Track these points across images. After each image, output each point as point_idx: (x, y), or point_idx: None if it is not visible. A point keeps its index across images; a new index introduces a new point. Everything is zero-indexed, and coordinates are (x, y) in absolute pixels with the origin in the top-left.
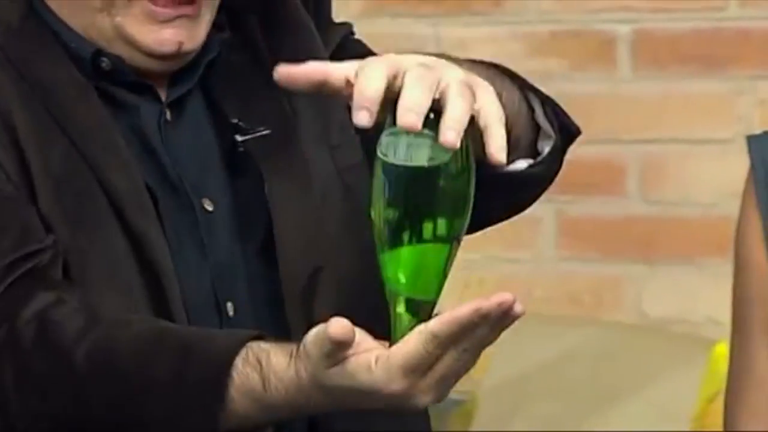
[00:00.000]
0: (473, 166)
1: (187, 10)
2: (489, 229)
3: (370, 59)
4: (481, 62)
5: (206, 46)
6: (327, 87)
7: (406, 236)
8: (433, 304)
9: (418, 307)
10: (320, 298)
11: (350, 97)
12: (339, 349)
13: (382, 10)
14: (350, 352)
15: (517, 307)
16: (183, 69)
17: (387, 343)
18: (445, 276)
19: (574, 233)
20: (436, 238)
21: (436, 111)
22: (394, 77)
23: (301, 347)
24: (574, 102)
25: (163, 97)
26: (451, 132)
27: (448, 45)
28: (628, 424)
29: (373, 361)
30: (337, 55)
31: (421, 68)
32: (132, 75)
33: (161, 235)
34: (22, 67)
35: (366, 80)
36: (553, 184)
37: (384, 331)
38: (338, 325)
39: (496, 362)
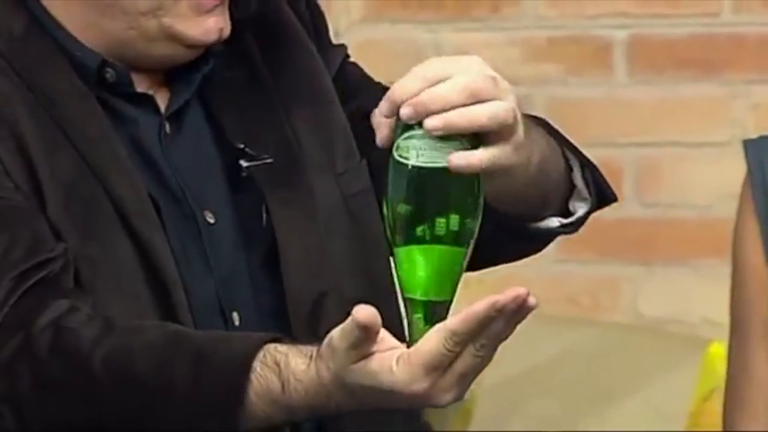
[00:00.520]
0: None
1: None
2: None
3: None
4: (529, 115)
5: (202, 57)
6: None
7: (421, 234)
8: (449, 304)
9: (434, 309)
10: (325, 321)
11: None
12: (365, 337)
13: (383, 16)
14: (374, 348)
15: (531, 300)
16: (180, 81)
17: (405, 345)
18: (459, 277)
19: (571, 235)
20: (450, 239)
21: None
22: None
23: (324, 345)
24: (571, 106)
25: (163, 109)
26: (460, 161)
27: (447, 50)
28: (625, 422)
29: (395, 361)
30: (338, 79)
31: (472, 78)
32: (133, 87)
33: (166, 243)
34: (26, 76)
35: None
36: None
37: None
38: (364, 311)
39: (495, 362)
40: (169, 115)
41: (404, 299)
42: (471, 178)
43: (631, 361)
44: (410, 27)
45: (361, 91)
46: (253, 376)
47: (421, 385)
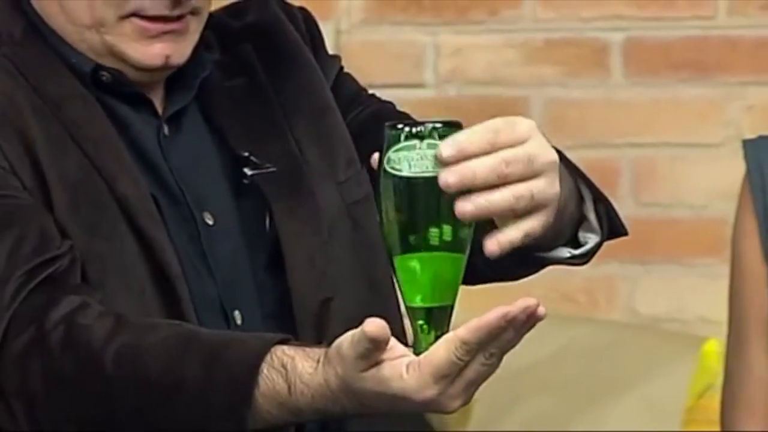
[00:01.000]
0: None
1: (175, 25)
2: None
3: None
4: None
5: (199, 64)
6: None
7: (417, 243)
8: (450, 310)
9: (435, 315)
10: (331, 325)
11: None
12: (375, 348)
13: (383, 19)
14: (384, 356)
15: (540, 310)
16: (178, 86)
17: (412, 350)
18: (458, 282)
19: None
20: (445, 247)
21: (445, 122)
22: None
23: (333, 351)
24: (569, 107)
25: (160, 112)
26: (453, 177)
27: (446, 52)
28: (621, 418)
29: (404, 369)
30: (336, 90)
31: (498, 125)
32: (131, 86)
33: (169, 241)
34: (30, 78)
35: None
36: None
37: None
38: (374, 324)
39: None
40: (167, 117)
41: (406, 307)
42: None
43: (627, 358)
44: (410, 29)
45: (356, 102)
46: (260, 378)
47: (430, 392)
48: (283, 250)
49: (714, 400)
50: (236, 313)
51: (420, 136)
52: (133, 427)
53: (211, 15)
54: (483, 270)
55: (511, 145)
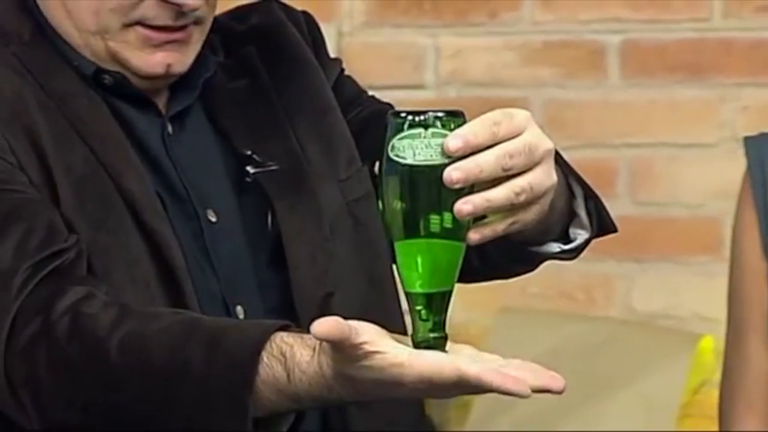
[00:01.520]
0: None
1: (178, 35)
2: None
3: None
4: None
5: (203, 65)
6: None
7: (418, 229)
8: (449, 295)
9: (434, 300)
10: None
11: None
12: (340, 347)
13: (384, 21)
14: (377, 345)
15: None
16: (182, 86)
17: (408, 338)
18: (457, 268)
19: None
20: (445, 234)
21: (448, 111)
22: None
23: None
24: (566, 108)
25: (164, 111)
26: (458, 173)
27: (447, 54)
28: (618, 414)
29: (398, 356)
30: (336, 91)
31: (505, 117)
32: (134, 88)
33: (173, 235)
34: (38, 76)
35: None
36: None
37: None
38: (322, 325)
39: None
40: (171, 116)
41: (405, 293)
42: None
43: (624, 355)
44: (411, 31)
45: (356, 103)
46: (260, 366)
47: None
48: (284, 247)
49: (709, 396)
50: (239, 308)
51: (424, 125)
52: (137, 413)
53: (215, 19)
54: (478, 267)
55: (511, 137)
